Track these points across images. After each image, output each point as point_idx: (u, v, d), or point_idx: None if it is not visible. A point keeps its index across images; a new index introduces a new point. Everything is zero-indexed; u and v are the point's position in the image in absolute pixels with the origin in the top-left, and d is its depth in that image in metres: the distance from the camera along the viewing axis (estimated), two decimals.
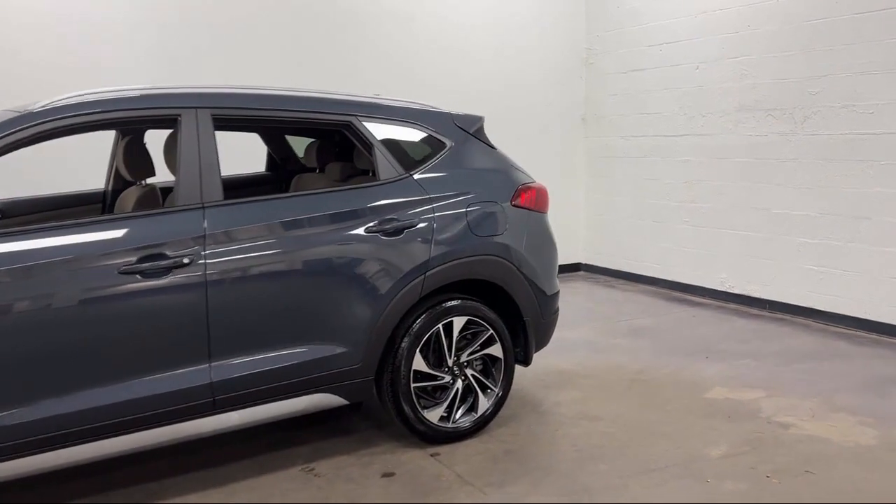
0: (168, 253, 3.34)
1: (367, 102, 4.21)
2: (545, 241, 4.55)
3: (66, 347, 3.18)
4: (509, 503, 3.57)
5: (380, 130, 4.10)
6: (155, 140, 4.09)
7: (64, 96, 3.47)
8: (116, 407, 3.27)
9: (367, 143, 4.05)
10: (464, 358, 4.20)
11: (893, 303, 6.19)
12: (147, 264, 3.29)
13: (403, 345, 3.98)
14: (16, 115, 3.28)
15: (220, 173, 3.59)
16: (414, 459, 4.01)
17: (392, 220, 3.92)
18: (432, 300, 4.08)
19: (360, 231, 3.83)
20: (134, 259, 3.27)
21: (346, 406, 4.04)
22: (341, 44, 7.66)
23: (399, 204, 3.98)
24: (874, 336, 6.26)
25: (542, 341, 4.61)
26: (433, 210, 4.05)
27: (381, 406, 4.15)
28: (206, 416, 3.52)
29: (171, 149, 3.73)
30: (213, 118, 3.61)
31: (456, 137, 4.35)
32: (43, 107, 3.32)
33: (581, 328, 6.66)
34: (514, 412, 4.65)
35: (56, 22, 6.41)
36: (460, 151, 4.33)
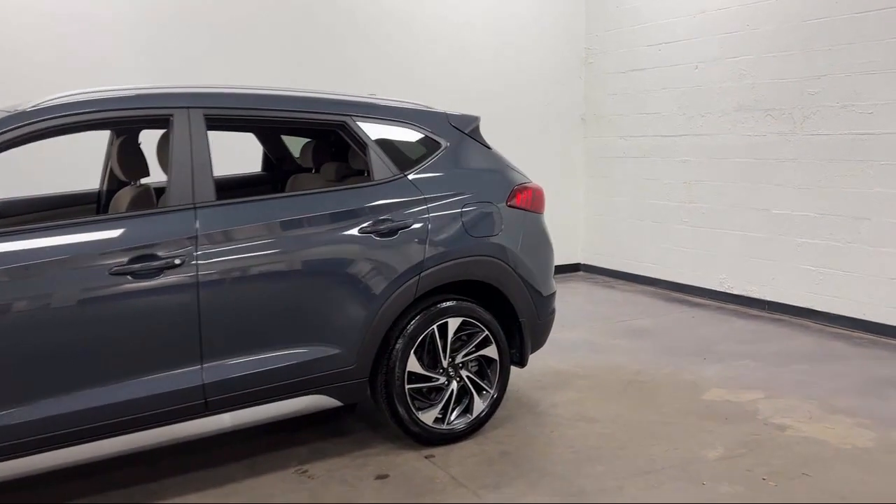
0: (159, 254, 3.32)
1: (362, 102, 4.19)
2: (541, 242, 4.53)
3: (55, 349, 3.16)
4: None
5: (374, 130, 4.07)
6: (151, 140, 4.08)
7: (55, 96, 3.45)
8: (107, 409, 3.25)
9: (361, 143, 4.03)
10: (459, 359, 4.18)
11: (893, 304, 6.16)
12: (138, 265, 3.27)
13: (398, 346, 3.96)
14: (7, 114, 3.26)
15: (212, 173, 3.57)
16: (408, 461, 3.99)
17: (386, 220, 3.90)
18: (427, 301, 4.06)
19: (354, 231, 3.81)
20: (125, 260, 3.25)
21: (341, 407, 4.02)
22: (341, 44, 7.65)
23: (393, 204, 3.95)
24: (873, 337, 6.24)
25: (539, 342, 4.59)
26: (428, 210, 4.03)
27: (376, 407, 4.13)
28: (198, 418, 3.50)
29: (163, 149, 3.71)
30: (205, 118, 3.59)
31: (451, 137, 4.32)
32: (34, 107, 3.30)
33: (580, 328, 6.64)
34: (511, 413, 4.63)
35: (56, 21, 6.40)
36: (456, 151, 4.31)
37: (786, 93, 6.82)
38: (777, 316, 6.98)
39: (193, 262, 3.38)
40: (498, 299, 4.34)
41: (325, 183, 4.54)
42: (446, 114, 4.39)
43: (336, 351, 3.78)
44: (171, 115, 3.53)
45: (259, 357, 3.60)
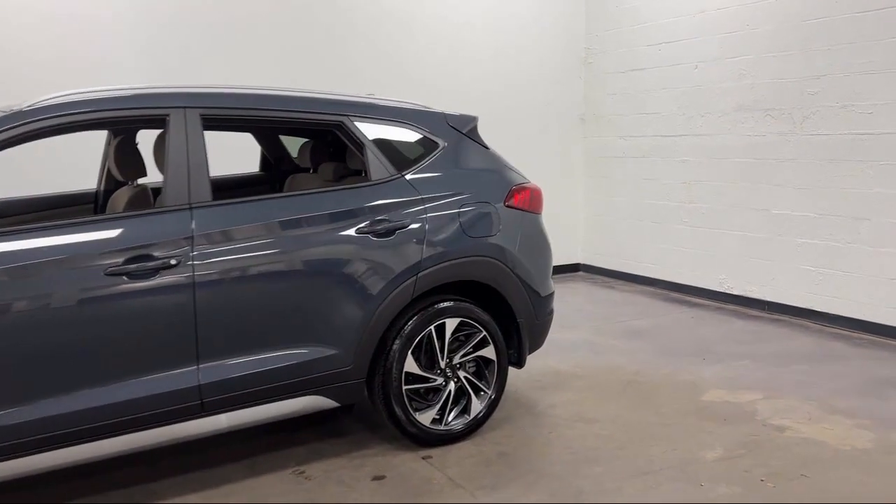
0: (155, 254, 3.31)
1: (359, 102, 4.17)
2: (539, 242, 4.51)
3: (50, 349, 3.15)
4: None
5: (371, 130, 4.06)
6: (149, 140, 4.06)
7: (51, 96, 3.44)
8: (103, 409, 3.24)
9: (358, 143, 4.02)
10: (456, 360, 4.17)
11: (892, 304, 6.14)
12: (134, 265, 3.26)
13: (395, 346, 3.95)
14: (2, 114, 3.25)
15: (208, 173, 3.56)
16: (405, 462, 3.98)
17: (383, 220, 3.89)
18: (424, 301, 4.05)
19: (351, 232, 3.80)
20: (121, 260, 3.24)
21: (339, 408, 4.02)
22: (341, 44, 7.63)
23: (391, 204, 3.94)
24: (873, 337, 6.22)
25: (537, 343, 4.57)
26: (425, 211, 4.02)
27: (373, 408, 4.11)
28: (194, 419, 3.49)
29: (160, 149, 3.70)
30: (201, 118, 3.57)
31: (449, 137, 4.31)
32: (29, 106, 3.29)
33: (579, 329, 6.63)
34: (509, 414, 4.62)
35: (56, 21, 6.38)
36: (453, 151, 4.29)
37: (785, 93, 6.81)
38: (777, 316, 6.97)
39: (189, 262, 3.37)
40: (496, 300, 4.32)
41: (322, 183, 4.53)
42: (444, 114, 4.38)
43: (333, 351, 3.77)
44: (168, 115, 3.52)
45: (256, 358, 3.59)
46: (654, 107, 8.18)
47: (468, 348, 4.19)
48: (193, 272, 3.37)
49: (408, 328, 3.98)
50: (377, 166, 4.01)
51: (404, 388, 3.97)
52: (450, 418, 4.16)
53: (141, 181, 4.15)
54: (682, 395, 4.93)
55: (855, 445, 4.15)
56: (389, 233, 3.89)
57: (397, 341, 3.95)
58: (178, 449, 4.03)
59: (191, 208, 3.45)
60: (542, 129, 8.97)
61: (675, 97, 7.89)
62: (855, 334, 6.33)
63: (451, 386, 4.15)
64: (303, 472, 3.87)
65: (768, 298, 7.12)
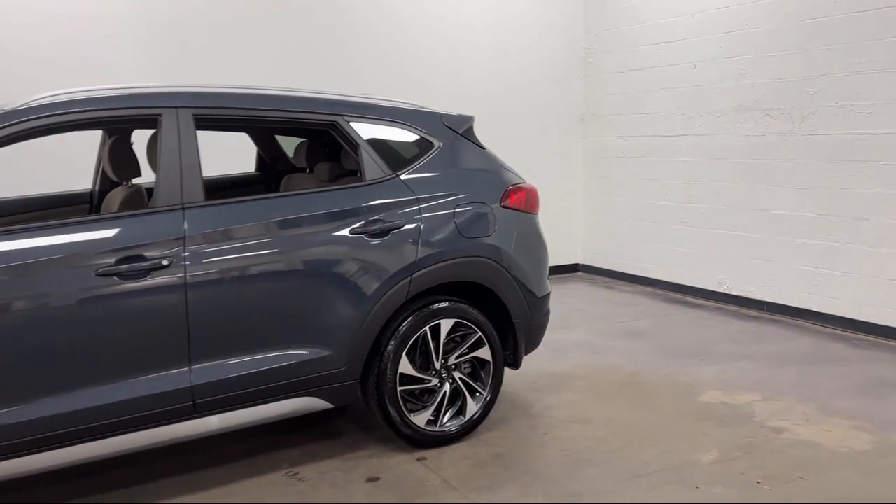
0: (147, 254, 3.29)
1: (353, 102, 4.15)
2: (535, 243, 4.49)
3: (40, 350, 3.14)
4: None
5: (366, 130, 4.04)
6: (144, 140, 4.05)
7: (42, 95, 3.43)
8: (94, 411, 3.23)
9: (353, 143, 4.00)
10: (452, 361, 4.14)
11: (892, 305, 6.11)
12: (125, 266, 3.24)
13: (389, 347, 3.93)
14: None
15: (201, 174, 3.54)
16: (400, 464, 3.96)
17: (378, 221, 3.86)
18: (419, 302, 4.03)
19: (345, 232, 3.78)
20: (112, 261, 3.23)
21: (333, 409, 3.99)
22: (341, 44, 7.62)
23: (385, 205, 3.92)
24: (872, 338, 6.19)
25: (533, 344, 4.55)
26: (420, 211, 4.00)
27: (368, 409, 4.09)
28: (186, 421, 3.47)
29: (153, 149, 3.68)
30: (194, 118, 3.56)
31: (445, 137, 4.29)
32: (20, 106, 3.27)
33: (577, 329, 6.60)
34: (505, 415, 4.60)
35: (56, 21, 6.38)
36: (449, 151, 4.27)
37: (785, 93, 6.78)
38: (776, 317, 6.94)
39: (181, 263, 3.35)
40: (491, 300, 4.30)
41: (318, 183, 4.51)
42: (440, 113, 4.36)
43: (326, 352, 3.75)
44: (160, 115, 3.50)
45: (248, 359, 3.57)
46: (653, 107, 8.15)
47: (463, 349, 4.17)
48: (185, 273, 3.36)
49: (402, 329, 3.95)
50: (372, 166, 3.99)
51: (399, 389, 3.96)
52: (445, 420, 4.14)
53: (136, 181, 4.12)
54: (680, 397, 4.91)
55: (852, 447, 4.12)
56: (384, 233, 3.87)
57: (392, 342, 3.93)
58: (170, 450, 4.01)
59: (183, 208, 3.43)
60: (541, 129, 8.95)
61: (675, 97, 7.87)
62: (854, 335, 6.30)
63: (447, 387, 4.13)
64: (296, 474, 3.85)
65: (767, 299, 7.09)
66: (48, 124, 3.28)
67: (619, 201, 8.75)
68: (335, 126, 3.98)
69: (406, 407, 4.00)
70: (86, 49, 6.48)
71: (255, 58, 7.16)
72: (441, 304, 4.07)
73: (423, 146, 4.21)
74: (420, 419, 4.04)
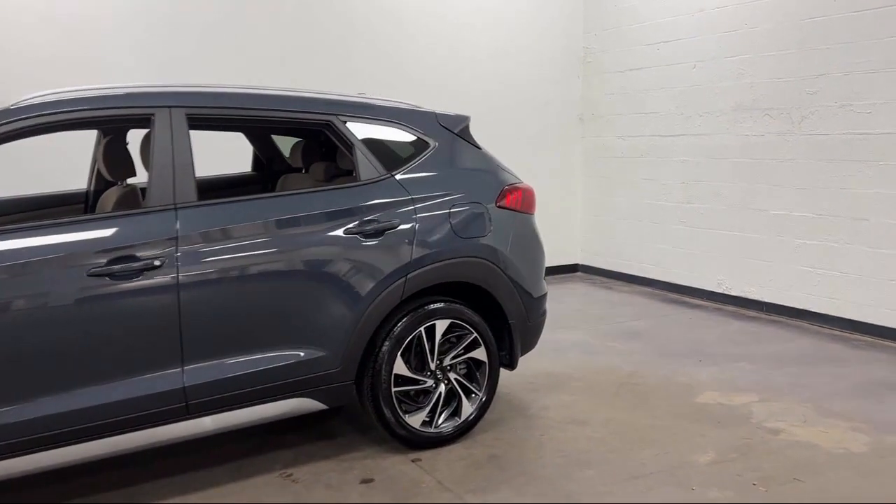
0: (139, 255, 3.28)
1: (348, 102, 4.13)
2: (531, 243, 4.47)
3: (31, 351, 3.12)
4: None
5: (361, 130, 4.02)
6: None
7: (35, 94, 3.42)
8: (86, 412, 3.21)
9: (347, 143, 3.98)
10: (447, 362, 4.13)
11: (891, 305, 6.09)
12: (117, 266, 3.22)
13: (384, 348, 3.91)
14: None
15: (194, 173, 3.52)
16: (395, 465, 3.94)
17: (372, 221, 3.85)
18: (414, 303, 4.01)
19: (339, 232, 3.76)
20: (104, 261, 3.21)
21: (328, 410, 3.98)
22: (340, 44, 7.61)
23: (380, 205, 3.90)
24: (871, 339, 6.17)
25: (529, 344, 4.53)
26: (415, 211, 3.98)
27: (363, 410, 4.08)
28: (179, 422, 3.45)
29: (146, 149, 3.67)
30: (187, 117, 3.54)
31: (440, 137, 4.27)
32: (12, 105, 3.26)
33: (575, 330, 6.58)
34: (501, 416, 4.58)
35: (55, 21, 6.37)
36: (444, 151, 4.25)
37: (784, 92, 6.76)
38: (774, 317, 6.92)
39: (174, 263, 3.33)
40: (487, 301, 4.28)
41: (314, 183, 4.49)
42: (435, 113, 4.34)
43: (320, 353, 3.74)
44: (153, 115, 3.48)
45: (241, 359, 3.56)
46: (652, 106, 8.13)
47: (459, 350, 4.16)
48: (178, 273, 3.34)
49: (397, 330, 3.94)
50: (366, 166, 3.97)
51: (393, 390, 3.94)
52: (440, 421, 4.12)
53: (130, 181, 4.11)
54: (677, 398, 4.89)
55: (849, 449, 4.10)
56: (378, 233, 3.85)
57: (387, 343, 3.91)
58: (165, 451, 4.00)
59: (175, 209, 3.42)
60: (540, 129, 8.93)
61: (674, 96, 7.85)
62: (853, 336, 6.28)
63: (442, 388, 4.12)
64: (290, 475, 3.83)
65: (766, 299, 7.07)
66: (40, 124, 3.27)
67: (618, 201, 8.73)
68: (330, 126, 3.97)
69: (401, 408, 3.98)
70: (85, 48, 6.47)
71: (254, 57, 7.14)
72: (436, 305, 4.05)
73: (418, 146, 4.19)
74: (415, 420, 4.02)
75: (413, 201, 3.99)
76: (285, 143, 5.20)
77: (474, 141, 4.44)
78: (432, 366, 4.08)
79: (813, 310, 6.66)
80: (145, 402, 3.33)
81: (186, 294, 3.37)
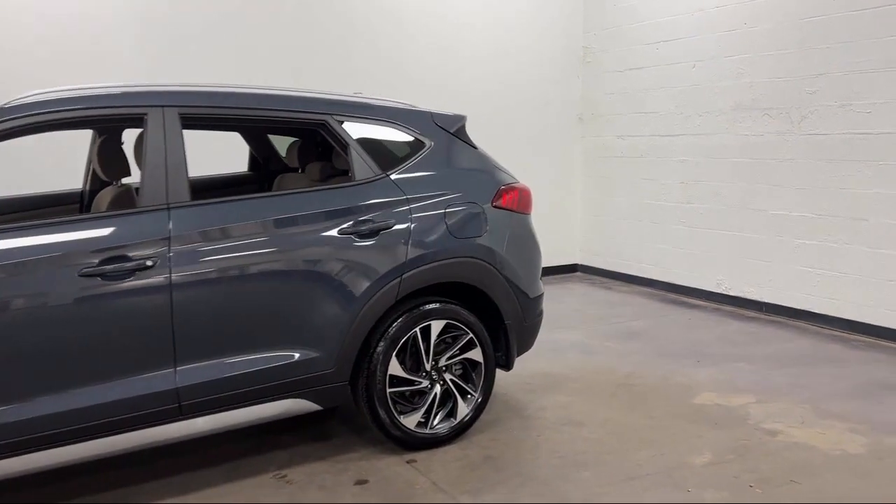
0: (131, 255, 3.26)
1: (343, 101, 4.11)
2: (528, 243, 4.45)
3: (22, 352, 3.11)
4: None
5: (356, 130, 4.00)
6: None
7: (27, 94, 3.41)
8: (77, 413, 3.20)
9: (342, 142, 3.96)
10: (442, 362, 4.11)
11: (890, 306, 6.06)
12: (109, 266, 3.21)
13: (379, 349, 3.89)
14: None
15: (187, 173, 3.51)
16: (390, 466, 3.92)
17: (367, 221, 3.83)
18: (409, 303, 3.99)
19: (334, 232, 3.74)
20: (95, 261, 3.19)
21: (327, 410, 3.96)
22: (340, 44, 7.59)
23: (375, 205, 3.88)
24: (870, 339, 6.14)
25: (526, 345, 4.51)
26: (410, 211, 3.96)
27: (358, 411, 4.06)
28: (172, 423, 3.43)
29: (139, 148, 3.65)
30: (180, 117, 3.52)
31: (436, 137, 4.25)
32: (4, 105, 3.25)
33: (574, 330, 6.56)
34: (498, 416, 4.56)
35: (54, 20, 6.36)
36: (440, 151, 4.23)
37: (784, 92, 6.73)
38: (774, 318, 6.89)
39: (166, 263, 3.32)
40: (483, 301, 4.26)
41: (309, 183, 4.47)
42: (431, 113, 4.32)
43: (315, 354, 3.72)
44: (145, 115, 3.47)
45: (235, 360, 3.54)
46: (652, 106, 8.11)
47: (454, 350, 4.14)
48: (170, 273, 3.32)
49: (392, 330, 3.92)
50: (361, 166, 3.95)
51: (388, 390, 3.92)
52: (435, 422, 4.11)
53: (125, 181, 4.10)
54: (674, 398, 4.87)
55: (847, 450, 4.08)
56: (373, 233, 3.83)
57: (381, 343, 3.90)
58: (160, 451, 3.99)
59: (168, 208, 3.40)
60: (540, 129, 8.91)
61: (673, 96, 7.82)
62: (852, 336, 6.26)
63: (437, 389, 4.10)
64: (284, 476, 3.82)
65: (765, 300, 7.05)
66: (32, 123, 3.25)
67: (618, 201, 8.71)
68: (324, 126, 3.95)
69: (396, 409, 3.96)
70: (85, 49, 6.46)
71: (254, 58, 7.13)
72: (432, 305, 4.03)
73: (414, 146, 4.17)
74: (410, 421, 4.01)
75: (408, 201, 3.97)
76: (282, 143, 5.18)
77: (470, 140, 4.42)
78: (427, 366, 4.06)
79: (812, 310, 6.64)
80: (137, 402, 3.32)
81: (179, 294, 3.35)
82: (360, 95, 4.43)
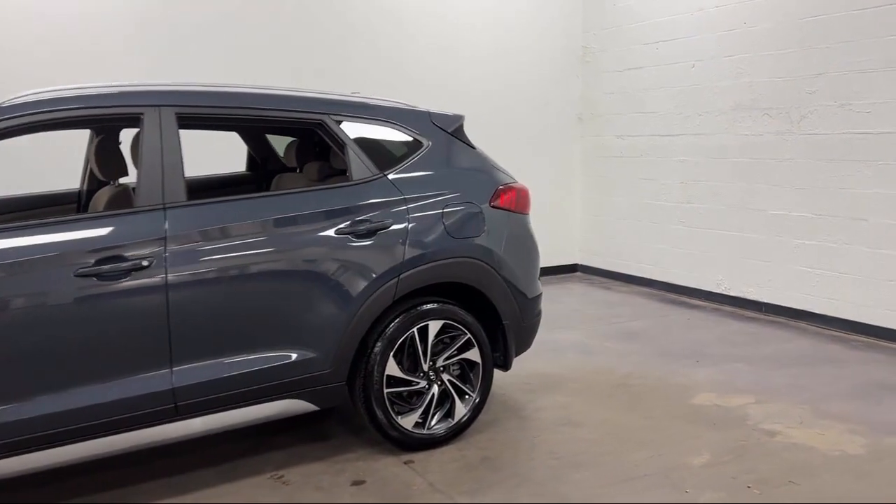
0: (127, 255, 3.25)
1: (340, 101, 4.10)
2: (526, 243, 4.44)
3: (17, 352, 3.10)
4: None
5: (353, 129, 3.99)
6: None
7: (23, 94, 3.40)
8: (72, 413, 3.19)
9: (339, 142, 3.95)
10: (440, 363, 4.10)
11: (890, 306, 6.05)
12: (105, 266, 3.20)
13: (376, 349, 3.88)
14: None
15: (183, 173, 3.50)
16: (387, 467, 3.91)
17: (364, 221, 3.82)
18: (407, 303, 3.98)
19: (331, 232, 3.73)
20: (91, 261, 3.19)
21: (325, 410, 3.95)
22: (340, 44, 7.58)
23: (372, 205, 3.87)
24: (869, 340, 6.13)
25: (524, 345, 4.50)
26: (408, 211, 3.95)
27: (355, 411, 4.05)
28: (168, 423, 3.43)
29: (136, 148, 3.64)
30: (177, 117, 3.51)
31: (434, 137, 4.24)
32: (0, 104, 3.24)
33: (573, 330, 6.55)
34: (496, 417, 4.56)
35: (54, 20, 6.36)
36: (438, 151, 4.22)
37: (783, 92, 6.72)
38: (773, 318, 6.88)
39: (162, 263, 3.31)
40: (481, 301, 4.25)
41: (307, 183, 4.46)
42: (429, 112, 4.30)
43: (312, 354, 3.71)
44: (142, 114, 3.46)
45: (231, 361, 3.53)
46: (651, 106, 8.10)
47: (452, 351, 4.13)
48: (166, 274, 3.32)
49: (390, 330, 3.91)
50: (359, 166, 3.94)
51: (386, 391, 3.91)
52: (433, 422, 4.10)
53: (123, 181, 4.09)
54: (673, 399, 4.86)
55: (846, 451, 4.07)
56: (370, 233, 3.83)
57: (379, 344, 3.89)
58: (153, 452, 3.99)
59: (164, 209, 3.39)
60: (540, 129, 8.90)
61: (673, 96, 7.81)
62: (851, 336, 6.24)
63: (435, 389, 4.09)
64: (281, 477, 3.81)
65: (765, 300, 7.04)
66: (28, 123, 3.24)
67: (618, 201, 8.69)
68: (321, 125, 3.94)
69: (393, 409, 3.95)
70: (83, 48, 6.45)
71: (254, 58, 7.12)
72: (429, 306, 4.02)
73: (411, 145, 4.16)
74: (407, 421, 4.00)
75: (406, 201, 3.96)
76: (281, 143, 5.17)
77: (468, 140, 4.41)
78: (425, 367, 4.05)
79: (811, 310, 6.62)
80: (133, 403, 3.31)
81: (175, 295, 3.35)
82: (357, 95, 4.42)
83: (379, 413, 3.90)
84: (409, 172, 4.07)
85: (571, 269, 9.30)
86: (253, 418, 3.68)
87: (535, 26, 8.74)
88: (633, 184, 8.43)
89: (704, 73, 7.45)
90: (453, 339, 4.13)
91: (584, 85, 9.05)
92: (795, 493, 3.61)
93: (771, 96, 6.82)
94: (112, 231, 3.29)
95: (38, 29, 6.30)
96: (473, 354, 4.18)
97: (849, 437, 4.24)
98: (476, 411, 4.24)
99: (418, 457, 4.01)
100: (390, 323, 3.92)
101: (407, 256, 3.91)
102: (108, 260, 3.21)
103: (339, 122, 3.96)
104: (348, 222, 3.78)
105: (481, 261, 4.16)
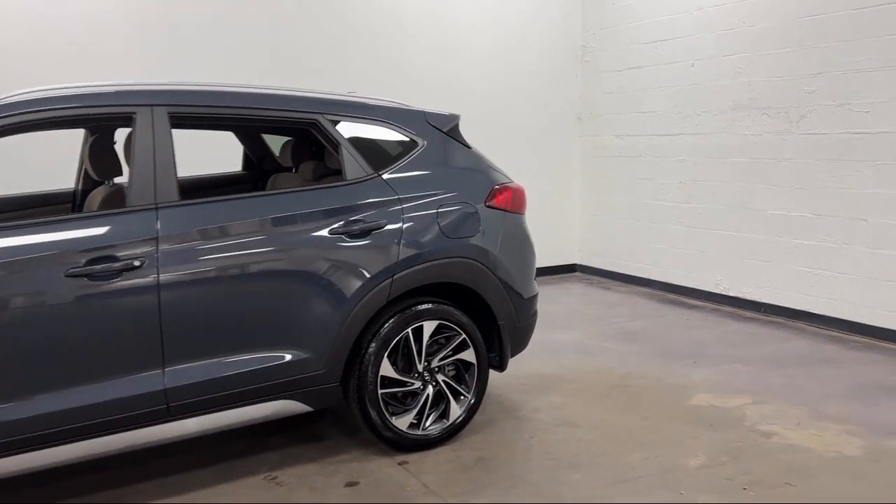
0: (118, 255, 3.24)
1: (335, 100, 4.08)
2: (522, 243, 4.42)
3: (7, 352, 3.09)
4: None
5: (348, 129, 3.98)
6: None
7: (15, 93, 3.38)
8: (63, 414, 3.17)
9: (333, 142, 3.93)
10: (435, 363, 4.08)
11: (889, 307, 6.02)
12: (96, 266, 3.19)
13: (371, 350, 3.86)
14: None
15: (176, 173, 3.48)
16: (381, 468, 3.90)
17: (358, 221, 3.80)
18: (401, 304, 3.97)
19: (324, 233, 3.72)
20: (82, 261, 3.17)
21: (319, 411, 3.94)
22: (339, 45, 7.57)
23: (366, 205, 3.86)
24: (868, 340, 6.10)
25: (520, 346, 4.48)
26: (402, 211, 3.93)
27: (350, 412, 4.04)
28: (160, 424, 3.41)
29: (129, 147, 3.63)
30: (169, 116, 3.50)
31: (429, 136, 4.22)
32: None
33: (571, 330, 6.53)
34: (491, 418, 4.54)
35: (53, 20, 6.35)
36: (433, 151, 4.21)
37: (782, 91, 6.69)
38: (772, 318, 6.86)
39: (154, 263, 3.29)
40: (476, 302, 4.24)
41: (302, 182, 4.45)
42: (424, 112, 4.29)
43: (305, 355, 3.69)
44: (134, 114, 3.44)
45: (224, 361, 3.51)
46: (650, 105, 8.08)
47: (447, 351, 4.11)
48: (158, 274, 3.30)
49: (384, 331, 3.89)
50: (353, 166, 3.92)
51: (380, 391, 3.89)
52: (427, 423, 4.08)
53: (117, 180, 4.08)
54: (670, 399, 4.84)
55: (842, 452, 4.04)
56: (364, 233, 3.81)
57: (373, 344, 3.87)
58: (148, 453, 3.97)
59: (156, 208, 3.38)
60: (539, 129, 8.88)
61: (672, 95, 7.79)
62: (850, 337, 6.22)
63: (430, 390, 4.07)
64: (275, 478, 3.79)
65: (764, 300, 7.01)
66: (19, 122, 3.22)
67: (617, 201, 8.67)
68: (316, 125, 3.92)
69: (388, 410, 3.94)
70: (82, 48, 6.44)
71: (253, 57, 7.11)
72: (424, 306, 4.01)
73: (406, 145, 4.15)
74: (402, 422, 3.98)
75: (400, 201, 3.95)
76: (276, 143, 5.16)
77: (464, 140, 4.40)
78: (420, 367, 4.04)
79: (810, 310, 6.60)
80: (125, 403, 3.29)
81: (167, 295, 3.33)
82: (353, 95, 4.40)
83: (373, 414, 3.89)
84: (404, 172, 4.05)
85: (570, 268, 9.28)
86: (248, 419, 3.67)
87: (535, 26, 8.73)
88: (632, 184, 8.41)
89: (703, 72, 7.43)
90: (448, 339, 4.11)
91: (583, 85, 9.03)
92: (792, 495, 3.59)
93: (770, 96, 6.80)
94: (103, 231, 3.28)
95: (37, 29, 6.30)
96: (469, 355, 4.16)
97: (846, 439, 4.22)
98: (471, 412, 4.23)
99: (413, 458, 4.00)
100: (385, 323, 3.90)
101: (401, 256, 3.89)
102: (99, 260, 3.20)
103: (334, 122, 3.94)
104: (342, 222, 3.76)
105: (476, 261, 4.14)
